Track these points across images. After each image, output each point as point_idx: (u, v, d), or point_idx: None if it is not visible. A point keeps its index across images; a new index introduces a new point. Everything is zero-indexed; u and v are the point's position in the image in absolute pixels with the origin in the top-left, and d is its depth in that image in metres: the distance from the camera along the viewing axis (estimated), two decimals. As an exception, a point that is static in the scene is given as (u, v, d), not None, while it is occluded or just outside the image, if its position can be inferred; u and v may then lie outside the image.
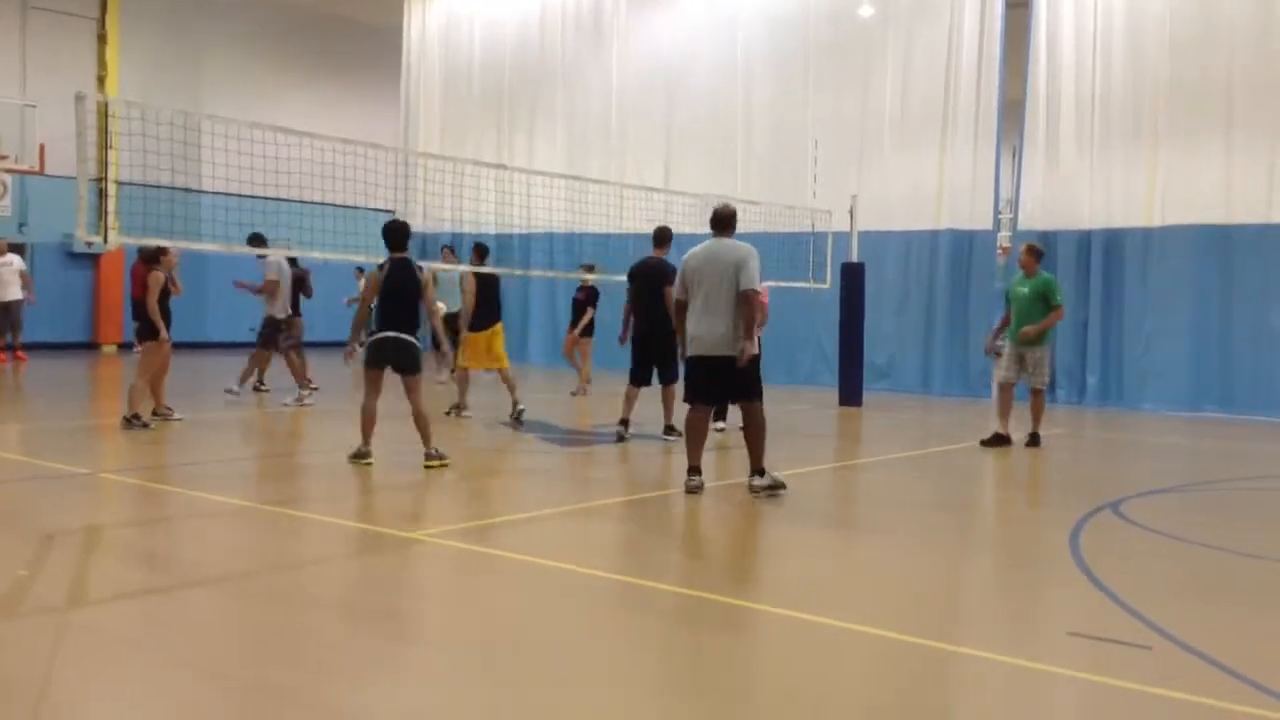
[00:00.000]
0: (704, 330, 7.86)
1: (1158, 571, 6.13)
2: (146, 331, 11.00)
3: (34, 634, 4.48)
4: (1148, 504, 8.06)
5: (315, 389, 14.75)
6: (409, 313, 8.87)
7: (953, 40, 17.23)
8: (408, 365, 8.82)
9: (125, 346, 17.73)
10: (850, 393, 15.13)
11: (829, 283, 16.30)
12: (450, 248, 16.65)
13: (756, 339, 7.91)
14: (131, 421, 10.43)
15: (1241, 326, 15.00)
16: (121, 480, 8.13)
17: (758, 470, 7.95)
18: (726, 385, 7.97)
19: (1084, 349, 16.26)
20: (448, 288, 16.06)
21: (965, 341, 17.08)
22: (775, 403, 12.85)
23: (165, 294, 11.09)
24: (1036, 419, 11.02)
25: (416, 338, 8.92)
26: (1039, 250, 11.22)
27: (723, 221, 8.49)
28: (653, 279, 10.81)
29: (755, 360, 7.89)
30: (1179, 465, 10.76)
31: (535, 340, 22.02)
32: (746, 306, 7.74)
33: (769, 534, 7.16)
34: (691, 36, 20.02)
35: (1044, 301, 10.68)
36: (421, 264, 9.21)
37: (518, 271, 18.39)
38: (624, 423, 10.83)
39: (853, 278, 15.39)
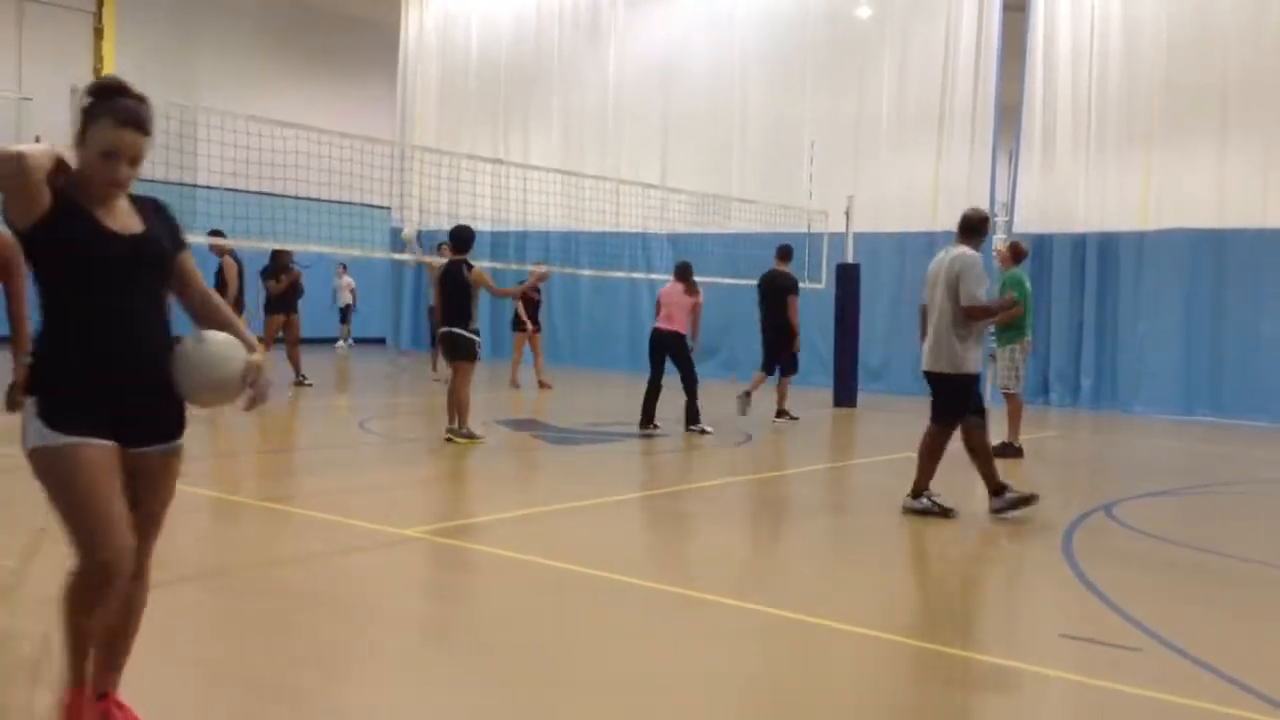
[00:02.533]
0: (926, 342, 7.54)
1: (1149, 574, 6.15)
2: None
3: (23, 627, 4.47)
4: (1140, 507, 8.08)
5: (309, 384, 14.77)
6: (458, 309, 10.02)
7: (950, 42, 17.24)
8: (463, 355, 10.08)
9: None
10: (844, 393, 15.15)
11: (824, 283, 16.32)
12: (447, 244, 16.70)
13: (971, 351, 7.40)
14: None
15: (1234, 330, 15.04)
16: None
17: (914, 491, 7.50)
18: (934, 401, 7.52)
19: (1078, 352, 16.29)
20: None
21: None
22: (771, 401, 12.90)
23: None
24: (1009, 426, 10.49)
25: (470, 331, 10.00)
26: (1018, 248, 10.95)
27: (963, 228, 7.70)
28: (776, 291, 12.74)
29: (960, 380, 7.34)
30: (1172, 468, 10.78)
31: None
32: (971, 320, 7.29)
33: (768, 534, 7.17)
34: (688, 34, 20.02)
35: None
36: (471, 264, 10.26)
37: (515, 265, 18.36)
38: (746, 395, 12.46)
39: (848, 278, 15.41)
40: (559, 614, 4.98)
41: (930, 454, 7.43)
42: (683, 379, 11.33)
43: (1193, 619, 5.22)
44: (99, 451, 2.91)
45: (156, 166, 10.87)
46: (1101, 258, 16.12)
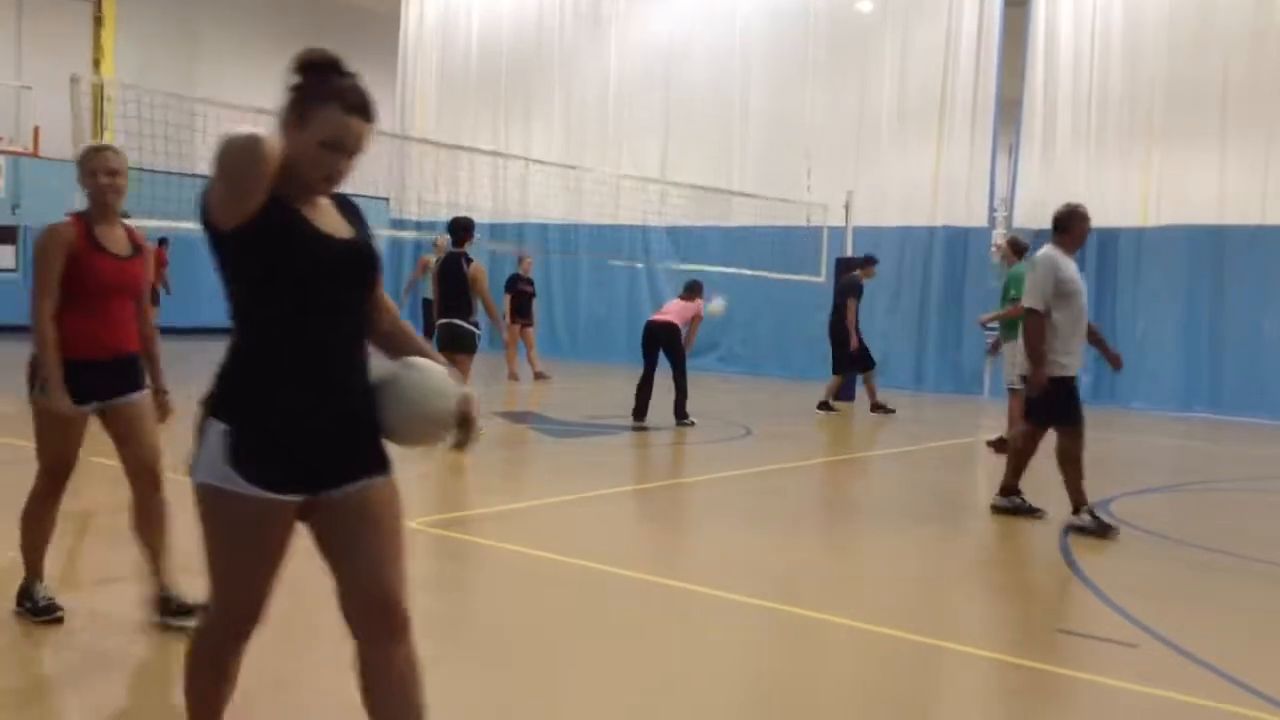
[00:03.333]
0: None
1: (1146, 570, 6.16)
2: None
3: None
4: (1137, 503, 8.09)
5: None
6: (457, 301, 9.91)
7: (951, 37, 17.22)
8: (460, 348, 9.86)
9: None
10: (843, 388, 15.13)
11: (824, 277, 16.31)
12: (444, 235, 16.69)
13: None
14: None
15: (1233, 328, 15.05)
16: (115, 466, 8.10)
17: (1002, 488, 7.38)
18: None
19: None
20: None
21: (959, 339, 17.12)
22: (768, 395, 12.91)
23: None
24: (1009, 421, 10.40)
25: (470, 323, 9.85)
26: (1018, 244, 10.97)
27: (1052, 225, 7.35)
28: (838, 293, 13.70)
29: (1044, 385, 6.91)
30: (1170, 465, 10.79)
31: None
32: (1024, 324, 6.96)
33: (765, 528, 7.18)
34: (689, 27, 19.98)
35: (1008, 295, 10.40)
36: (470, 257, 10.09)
37: (513, 251, 18.36)
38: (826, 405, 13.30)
39: (847, 273, 15.38)
40: (557, 606, 4.99)
41: (1019, 453, 7.25)
42: (674, 372, 11.36)
43: (1190, 616, 5.23)
44: (284, 512, 2.54)
45: (156, 156, 10.88)
46: (1101, 254, 16.10)
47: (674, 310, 11.68)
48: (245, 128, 2.30)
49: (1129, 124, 15.92)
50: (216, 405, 2.51)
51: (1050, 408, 6.89)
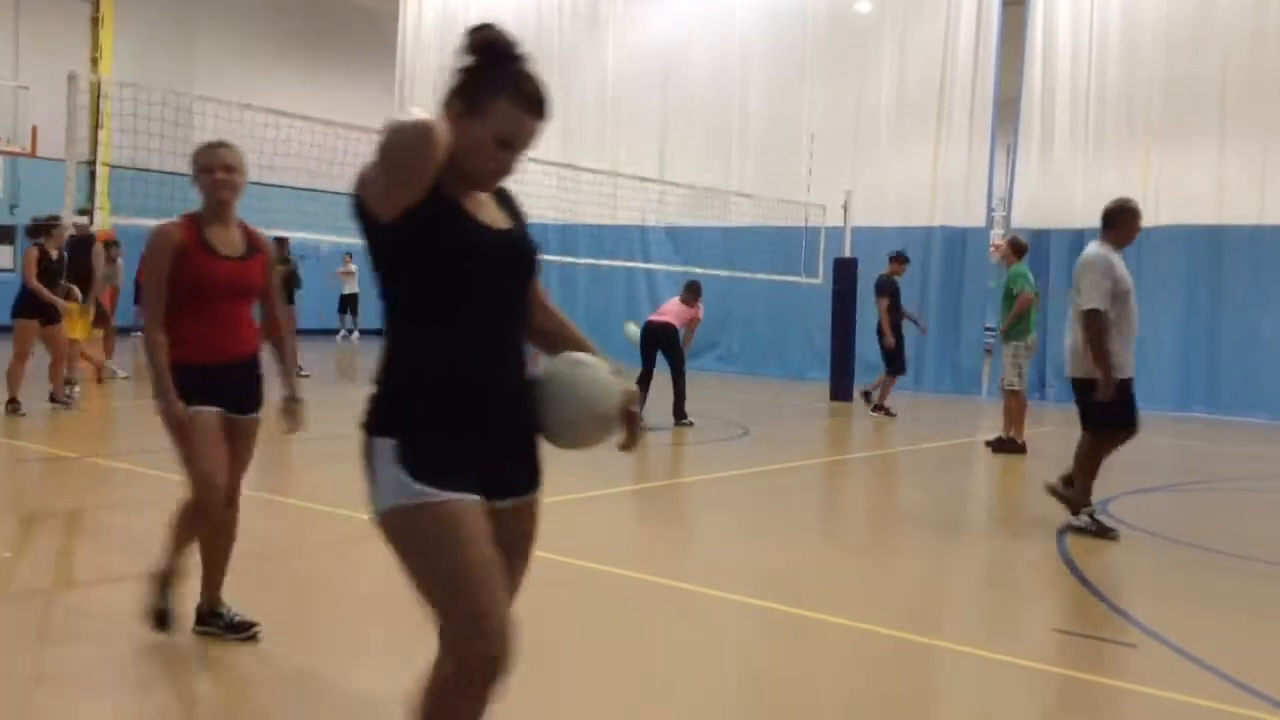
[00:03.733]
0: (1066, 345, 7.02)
1: (1144, 570, 6.15)
2: (21, 309, 10.11)
3: (20, 615, 4.46)
4: (1135, 503, 8.08)
5: (306, 375, 14.75)
6: None
7: (949, 36, 17.21)
8: None
9: (120, 330, 17.64)
10: (841, 388, 15.15)
11: (821, 277, 16.31)
12: None
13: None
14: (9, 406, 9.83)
15: (1231, 327, 15.05)
16: (110, 465, 8.11)
17: (1072, 508, 6.90)
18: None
19: (1075, 347, 16.29)
20: None
21: (957, 339, 17.11)
22: (766, 395, 12.90)
23: (51, 270, 10.16)
24: (1005, 421, 10.54)
25: None
26: (1018, 244, 10.91)
27: (1101, 220, 6.97)
28: (875, 291, 13.48)
29: (1091, 387, 6.72)
30: (1166, 465, 10.78)
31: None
32: (1085, 330, 6.61)
33: (763, 528, 7.17)
34: (688, 28, 19.97)
35: (1009, 294, 10.46)
36: None
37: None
38: (865, 394, 13.53)
39: (845, 273, 15.40)
40: (555, 606, 4.98)
41: (1083, 467, 6.86)
42: (672, 372, 11.37)
43: (1188, 615, 5.23)
44: (479, 513, 2.31)
45: (152, 155, 10.87)
46: (1099, 253, 16.11)
47: (672, 311, 11.69)
48: (414, 112, 2.08)
49: (1127, 123, 15.92)
50: (380, 423, 2.30)
51: (1106, 412, 6.63)
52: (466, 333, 2.30)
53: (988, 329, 15.22)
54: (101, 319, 14.06)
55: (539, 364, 2.45)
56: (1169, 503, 8.56)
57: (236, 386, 4.05)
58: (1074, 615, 5.13)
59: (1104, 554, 6.42)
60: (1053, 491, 7.04)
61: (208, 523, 4.08)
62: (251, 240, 4.12)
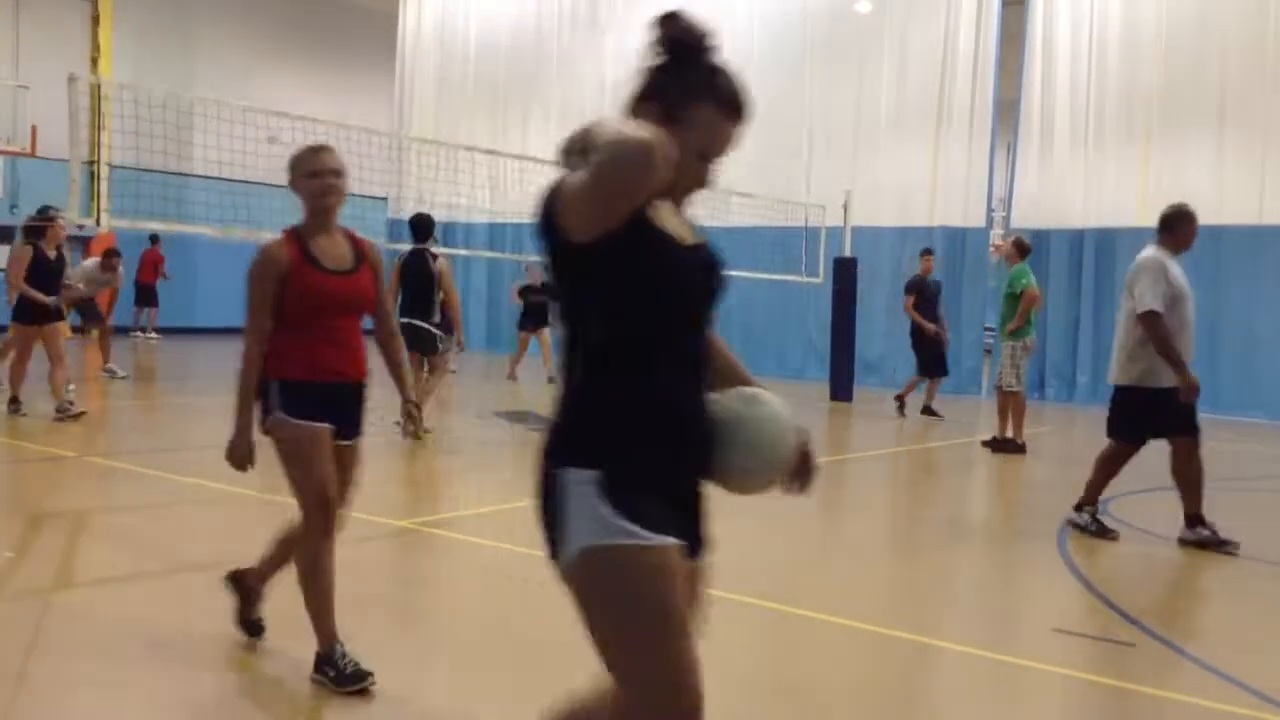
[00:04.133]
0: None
1: (1144, 570, 6.16)
2: (15, 312, 9.85)
3: (19, 616, 4.47)
4: (1134, 502, 8.09)
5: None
6: (420, 300, 9.51)
7: (949, 37, 17.22)
8: (422, 348, 9.50)
9: (120, 330, 17.66)
10: (841, 388, 15.16)
11: (821, 277, 16.32)
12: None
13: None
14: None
15: (1231, 327, 15.04)
16: (109, 465, 8.11)
17: (1080, 505, 6.75)
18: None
19: (1075, 348, 16.30)
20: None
21: (957, 338, 17.10)
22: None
23: (50, 271, 9.96)
24: (1000, 420, 10.57)
25: (431, 323, 9.52)
26: (1021, 244, 10.88)
27: (1159, 223, 6.97)
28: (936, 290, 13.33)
29: (1132, 395, 6.57)
30: (1166, 465, 10.76)
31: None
32: (1148, 331, 6.48)
33: (762, 528, 7.17)
34: (687, 29, 19.95)
35: (1012, 294, 10.45)
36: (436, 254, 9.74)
37: (514, 256, 18.35)
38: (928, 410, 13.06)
39: (845, 273, 15.40)
40: (554, 606, 4.98)
41: (1101, 468, 6.71)
42: None
43: (1188, 615, 5.24)
44: (682, 561, 2.07)
45: (154, 156, 10.88)
46: (1098, 254, 16.13)
47: None
48: (632, 127, 1.88)
49: (1126, 124, 15.93)
50: (576, 452, 2.03)
51: (1136, 423, 6.50)
52: (667, 360, 2.08)
53: (987, 329, 15.21)
54: (97, 320, 14.09)
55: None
56: (1169, 503, 8.53)
57: (344, 409, 3.83)
58: (1074, 615, 5.14)
59: (1104, 554, 6.42)
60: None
61: (329, 545, 3.82)
62: (358, 249, 3.89)
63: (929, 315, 12.96)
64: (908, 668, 4.41)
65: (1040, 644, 4.70)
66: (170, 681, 3.88)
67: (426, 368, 9.68)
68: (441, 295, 9.56)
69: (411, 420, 4.18)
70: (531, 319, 15.92)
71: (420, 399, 9.33)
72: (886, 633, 4.71)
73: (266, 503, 7.02)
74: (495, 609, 4.98)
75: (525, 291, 16.06)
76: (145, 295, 21.07)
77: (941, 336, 12.94)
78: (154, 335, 21.12)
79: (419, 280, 9.45)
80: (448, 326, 9.75)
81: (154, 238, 20.63)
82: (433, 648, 4.43)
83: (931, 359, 13.03)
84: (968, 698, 4.18)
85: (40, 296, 9.76)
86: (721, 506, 6.81)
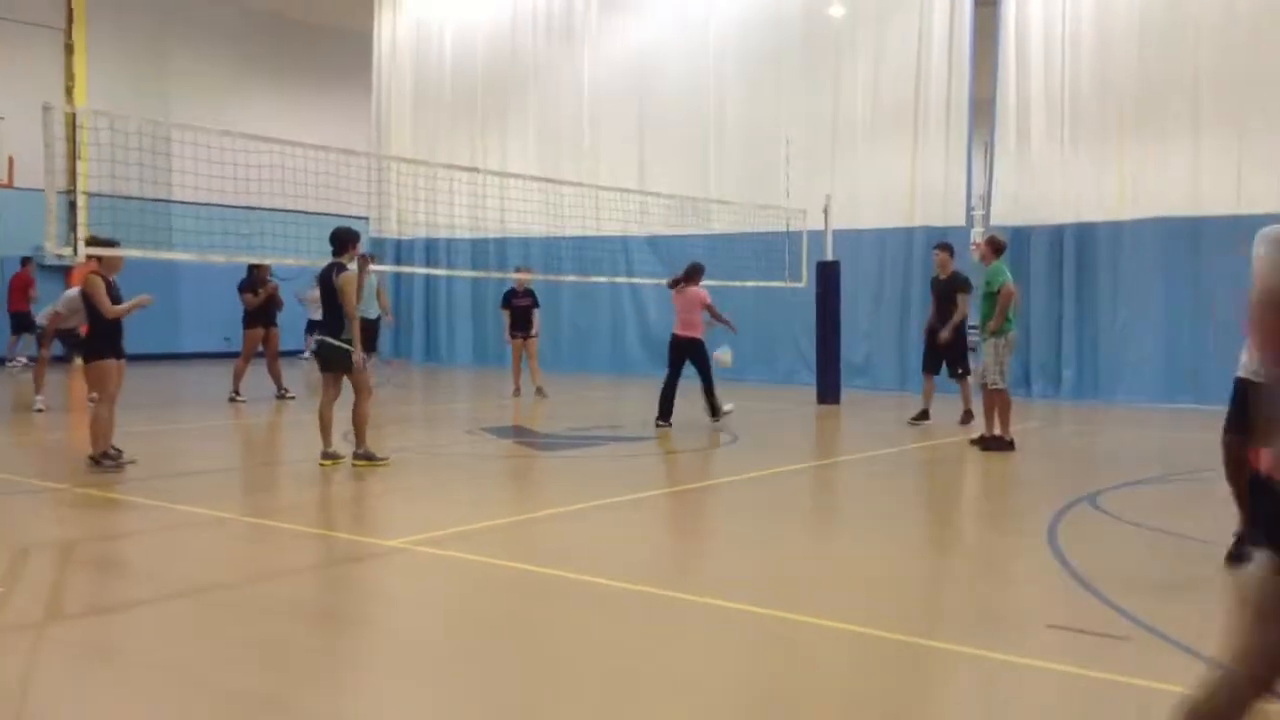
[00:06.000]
0: None
1: (1135, 563, 6.18)
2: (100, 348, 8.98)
3: (11, 647, 4.43)
4: (1124, 496, 8.12)
5: (291, 398, 14.71)
6: (331, 316, 9.13)
7: (922, 38, 17.30)
8: (336, 366, 9.16)
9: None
10: (828, 390, 15.18)
11: (805, 281, 16.35)
12: (372, 255, 16.41)
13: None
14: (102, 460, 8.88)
15: (1211, 318, 15.11)
16: (100, 495, 8.06)
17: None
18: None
19: (1058, 343, 16.36)
20: (367, 294, 16.45)
21: (942, 338, 17.17)
22: (755, 401, 12.92)
23: (117, 299, 9.06)
24: (987, 418, 10.55)
25: (342, 340, 9.04)
26: (996, 242, 10.88)
27: None
28: (949, 288, 12.63)
29: None
30: (1155, 457, 10.83)
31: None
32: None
33: (745, 531, 7.18)
34: (663, 38, 20.01)
35: (990, 293, 10.43)
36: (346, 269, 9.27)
37: (497, 274, 18.34)
38: (924, 414, 12.50)
39: (828, 276, 15.44)
40: (547, 620, 4.98)
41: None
42: (701, 379, 12.04)
43: (1179, 607, 5.25)
44: None
45: (131, 183, 10.85)
46: (1079, 249, 16.19)
47: (686, 311, 12.26)
48: None
49: (1102, 119, 16.02)
50: None
51: None
52: None
53: (971, 327, 15.20)
54: (80, 349, 13.99)
55: None
56: (1156, 495, 8.59)
57: None
58: (1068, 611, 5.15)
59: (1096, 548, 6.44)
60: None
61: None
62: None
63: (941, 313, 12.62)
64: (905, 670, 4.41)
65: (1036, 641, 4.70)
66: (163, 707, 3.85)
67: (353, 391, 9.18)
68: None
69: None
70: (519, 327, 15.86)
71: (357, 429, 9.03)
72: (882, 635, 4.71)
73: (250, 525, 6.99)
74: (487, 625, 4.96)
75: (509, 296, 16.02)
76: (19, 323, 19.13)
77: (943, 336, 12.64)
78: (21, 360, 19.25)
79: (327, 295, 9.13)
80: (369, 343, 9.38)
81: (25, 260, 19.52)
82: (423, 666, 4.41)
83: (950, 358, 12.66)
84: (965, 698, 4.18)
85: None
86: (712, 511, 6.82)
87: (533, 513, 7.65)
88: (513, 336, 15.92)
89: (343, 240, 9.30)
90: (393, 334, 23.55)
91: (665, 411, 11.96)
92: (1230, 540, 5.78)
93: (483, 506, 7.91)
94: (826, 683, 4.24)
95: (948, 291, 12.62)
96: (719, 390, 12.26)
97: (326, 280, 9.15)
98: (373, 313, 16.29)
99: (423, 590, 5.71)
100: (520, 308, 15.91)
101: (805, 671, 4.36)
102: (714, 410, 12.09)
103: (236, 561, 6.22)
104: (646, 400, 11.29)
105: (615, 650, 4.59)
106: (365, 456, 9.05)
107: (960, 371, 12.69)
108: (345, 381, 9.17)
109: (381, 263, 18.79)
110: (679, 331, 12.28)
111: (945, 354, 12.63)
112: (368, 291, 16.44)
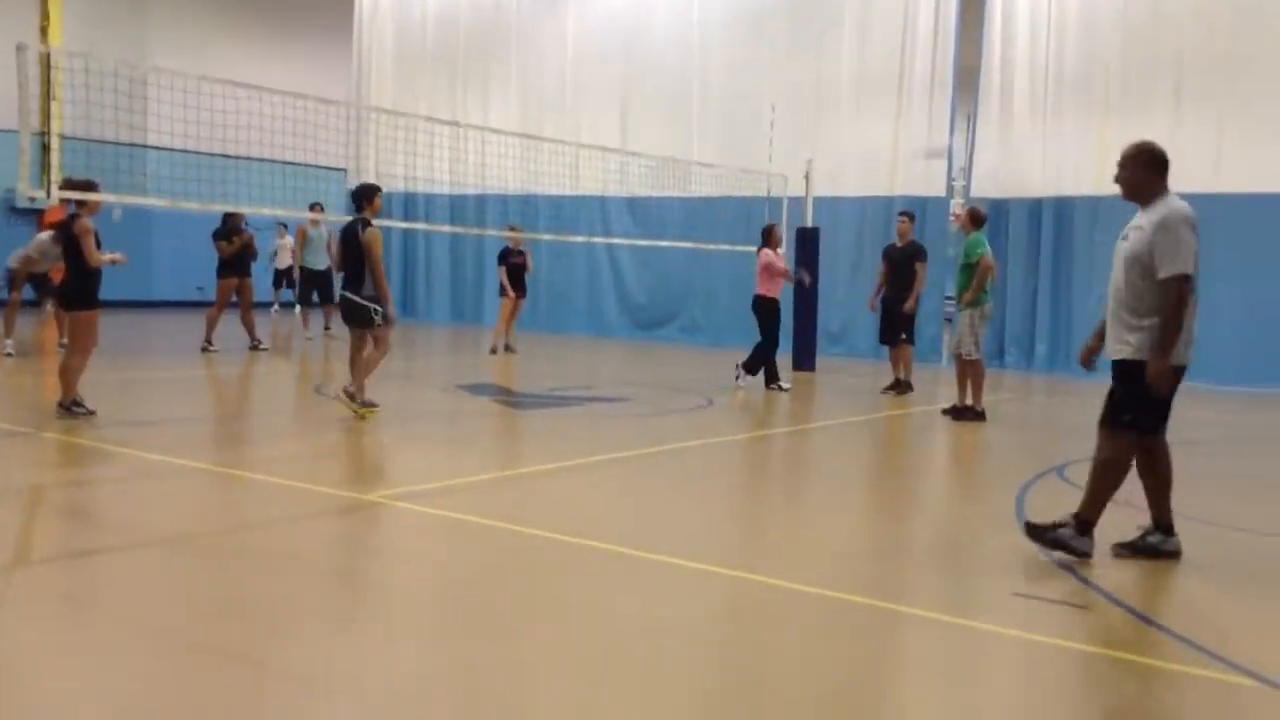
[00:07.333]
0: (1194, 329, 6.06)
1: (1098, 534, 6.25)
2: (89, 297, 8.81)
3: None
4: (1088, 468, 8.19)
5: (265, 349, 14.63)
6: (354, 273, 9.27)
7: (909, 7, 17.23)
8: (359, 322, 9.34)
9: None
10: (804, 357, 15.25)
11: (784, 247, 16.34)
12: (319, 204, 16.27)
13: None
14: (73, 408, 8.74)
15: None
16: (69, 440, 8.01)
17: (1077, 518, 5.59)
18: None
19: (1033, 316, 16.47)
20: (316, 246, 16.40)
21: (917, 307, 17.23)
22: (730, 366, 12.95)
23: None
24: (960, 388, 10.66)
25: (363, 296, 9.21)
26: (976, 214, 10.88)
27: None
28: (907, 256, 12.61)
29: (1133, 373, 5.68)
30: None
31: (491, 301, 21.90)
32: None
33: (722, 498, 7.22)
34: (647, -2, 19.85)
35: (967, 264, 10.49)
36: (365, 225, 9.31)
37: (475, 231, 18.21)
38: (897, 383, 12.56)
39: (808, 243, 15.44)
40: (519, 575, 5.00)
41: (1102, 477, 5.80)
42: (761, 337, 12.62)
43: (1141, 578, 5.33)
44: None
45: (106, 126, 10.68)
46: (1057, 223, 16.27)
47: (760, 277, 12.74)
48: None
49: (1085, 95, 16.04)
50: None
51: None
52: None
53: (947, 298, 15.27)
54: (52, 294, 13.84)
55: None
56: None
57: None
58: (1030, 579, 5.22)
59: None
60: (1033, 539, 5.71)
61: None
62: None
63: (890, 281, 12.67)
64: (869, 633, 4.46)
65: (1000, 608, 4.77)
66: (128, 655, 3.85)
67: (372, 342, 9.39)
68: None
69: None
70: (516, 285, 15.76)
71: (360, 374, 9.20)
72: (848, 598, 4.76)
73: (224, 476, 6.98)
74: (460, 580, 4.98)
75: (505, 254, 15.90)
76: None
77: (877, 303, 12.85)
78: None
79: (351, 251, 9.25)
80: (325, 295, 9.51)
81: None
82: (395, 620, 4.42)
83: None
84: (929, 663, 4.24)
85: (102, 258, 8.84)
86: (684, 472, 6.84)
87: (504, 471, 7.66)
88: (517, 294, 15.78)
89: (365, 195, 9.42)
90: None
91: (771, 375, 12.55)
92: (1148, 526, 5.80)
93: (456, 464, 7.91)
94: (790, 645, 4.29)
95: (906, 259, 12.59)
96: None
97: (351, 236, 9.22)
98: (321, 264, 16.34)
99: (396, 544, 5.72)
100: (516, 265, 15.83)
101: (768, 633, 4.41)
102: (752, 369, 12.51)
103: (207, 512, 6.20)
104: (623, 362, 11.29)
105: (579, 609, 4.62)
106: (350, 395, 9.18)
107: (904, 338, 12.57)
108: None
109: None
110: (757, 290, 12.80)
111: (896, 319, 12.46)
112: (317, 243, 16.42)
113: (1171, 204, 5.76)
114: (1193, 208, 5.89)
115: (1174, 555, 5.63)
